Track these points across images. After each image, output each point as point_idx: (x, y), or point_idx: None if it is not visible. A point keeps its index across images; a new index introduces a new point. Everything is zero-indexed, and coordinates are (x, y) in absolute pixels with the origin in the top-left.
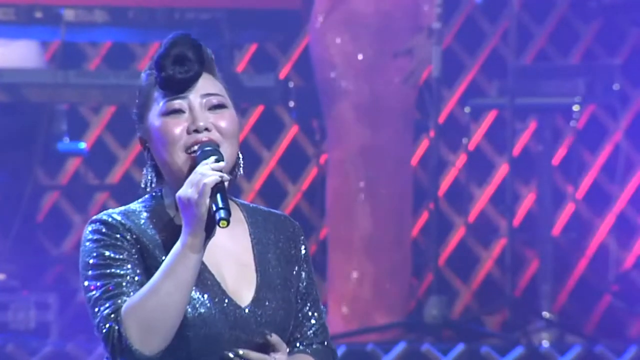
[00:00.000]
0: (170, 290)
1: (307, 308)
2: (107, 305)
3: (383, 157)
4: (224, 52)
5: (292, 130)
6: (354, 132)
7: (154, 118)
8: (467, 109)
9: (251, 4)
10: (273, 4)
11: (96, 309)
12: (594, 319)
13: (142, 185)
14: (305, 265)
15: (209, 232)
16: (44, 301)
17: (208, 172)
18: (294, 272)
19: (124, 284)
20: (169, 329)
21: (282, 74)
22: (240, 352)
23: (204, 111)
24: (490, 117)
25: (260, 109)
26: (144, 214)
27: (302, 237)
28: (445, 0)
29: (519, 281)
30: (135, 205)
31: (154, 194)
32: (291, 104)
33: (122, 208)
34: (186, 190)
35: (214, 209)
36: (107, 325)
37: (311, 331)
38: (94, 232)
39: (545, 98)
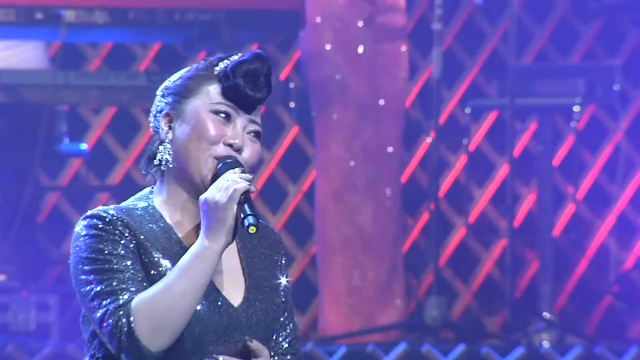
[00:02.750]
0: (184, 291)
1: (284, 317)
2: (110, 299)
3: (376, 154)
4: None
5: (293, 131)
6: (348, 130)
7: (199, 107)
8: (467, 110)
9: (251, 5)
10: (273, 4)
11: (97, 302)
12: (594, 320)
13: (157, 162)
14: (285, 275)
15: (231, 238)
16: (44, 302)
17: (238, 180)
18: (277, 279)
19: (126, 279)
20: (178, 328)
21: (283, 74)
22: (220, 358)
23: (244, 133)
24: (490, 118)
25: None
26: (137, 212)
27: (282, 246)
28: (446, 1)
29: (519, 282)
30: (127, 203)
31: (146, 192)
32: (292, 104)
33: (114, 206)
34: (214, 194)
35: (242, 215)
36: (114, 319)
37: (286, 342)
38: (90, 227)
39: (545, 99)
